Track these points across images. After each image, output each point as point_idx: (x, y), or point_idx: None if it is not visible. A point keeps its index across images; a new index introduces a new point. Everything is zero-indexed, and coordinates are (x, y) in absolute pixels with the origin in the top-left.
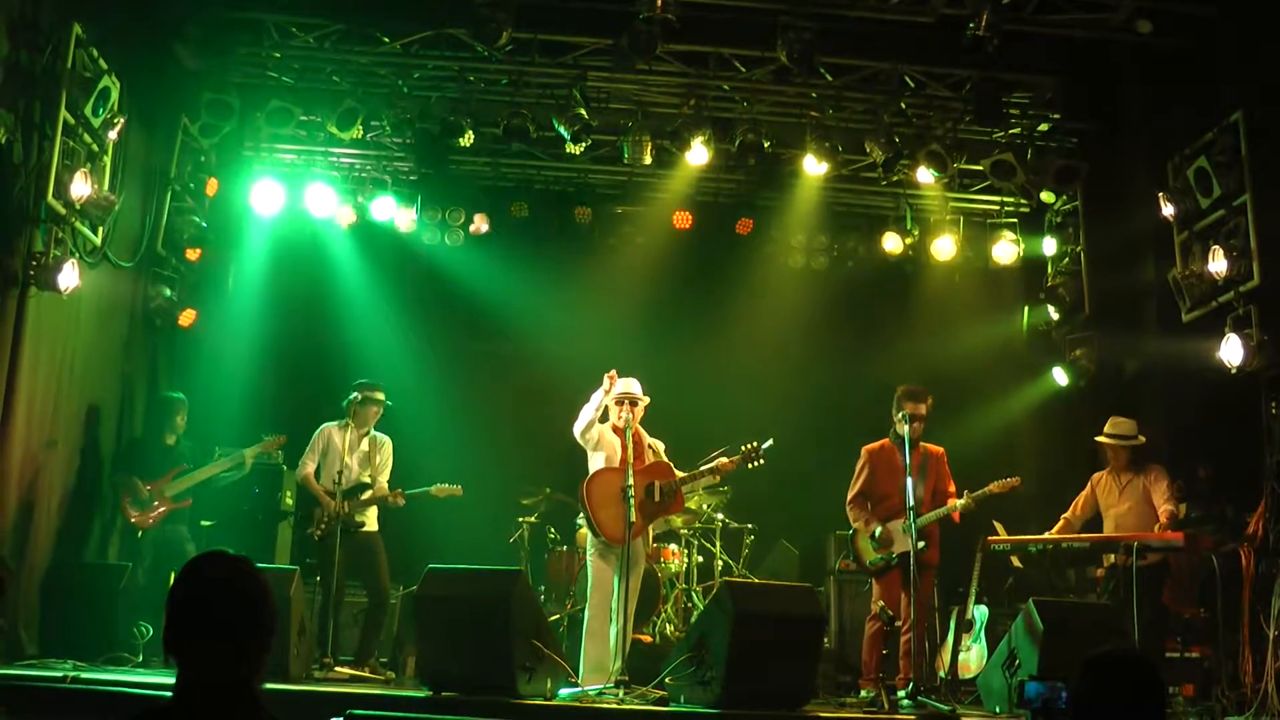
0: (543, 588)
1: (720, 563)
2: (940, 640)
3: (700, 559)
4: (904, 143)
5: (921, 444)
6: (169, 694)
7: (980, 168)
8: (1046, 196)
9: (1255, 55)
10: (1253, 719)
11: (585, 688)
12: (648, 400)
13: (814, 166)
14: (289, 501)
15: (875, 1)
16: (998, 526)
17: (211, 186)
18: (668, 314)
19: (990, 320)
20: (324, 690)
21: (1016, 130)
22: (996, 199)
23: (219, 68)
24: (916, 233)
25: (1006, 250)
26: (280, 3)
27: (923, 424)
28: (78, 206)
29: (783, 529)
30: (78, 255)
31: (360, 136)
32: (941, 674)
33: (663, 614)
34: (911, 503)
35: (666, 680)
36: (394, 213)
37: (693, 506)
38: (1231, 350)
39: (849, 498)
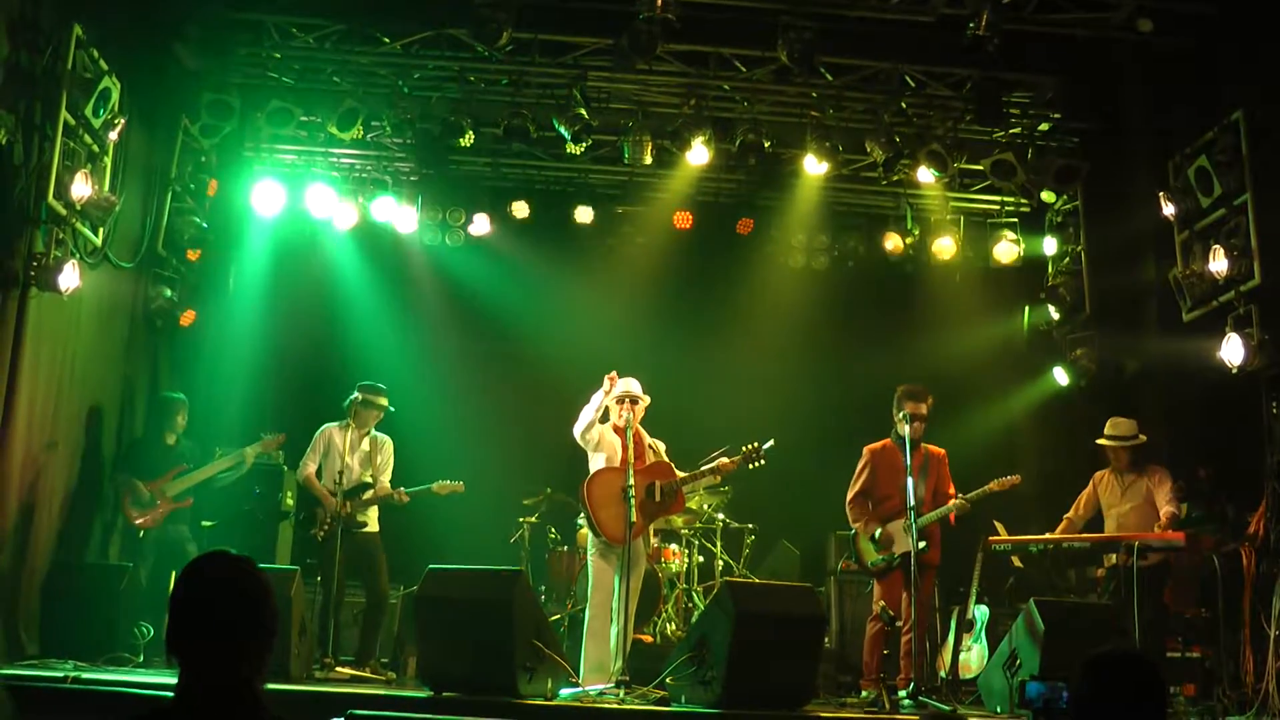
0: (543, 588)
1: (721, 563)
2: (941, 640)
3: (701, 559)
4: (904, 142)
5: (923, 445)
6: (170, 694)
7: (981, 167)
8: (1047, 196)
9: (1256, 54)
10: (1254, 719)
11: (586, 688)
12: (648, 400)
13: (814, 166)
14: (290, 502)
15: (876, 1)
16: (998, 527)
17: (212, 187)
18: (668, 314)
19: (991, 320)
20: (325, 690)
21: (1017, 130)
22: (997, 199)
23: (219, 68)
24: (917, 232)
25: (1007, 250)
26: (281, 3)
27: (923, 424)
28: (78, 207)
29: (783, 529)
30: (78, 256)
31: (360, 137)
32: (942, 674)
33: (663, 614)
34: (912, 503)
35: (667, 680)
36: (394, 213)
37: (693, 506)
38: (1232, 350)
39: (849, 497)
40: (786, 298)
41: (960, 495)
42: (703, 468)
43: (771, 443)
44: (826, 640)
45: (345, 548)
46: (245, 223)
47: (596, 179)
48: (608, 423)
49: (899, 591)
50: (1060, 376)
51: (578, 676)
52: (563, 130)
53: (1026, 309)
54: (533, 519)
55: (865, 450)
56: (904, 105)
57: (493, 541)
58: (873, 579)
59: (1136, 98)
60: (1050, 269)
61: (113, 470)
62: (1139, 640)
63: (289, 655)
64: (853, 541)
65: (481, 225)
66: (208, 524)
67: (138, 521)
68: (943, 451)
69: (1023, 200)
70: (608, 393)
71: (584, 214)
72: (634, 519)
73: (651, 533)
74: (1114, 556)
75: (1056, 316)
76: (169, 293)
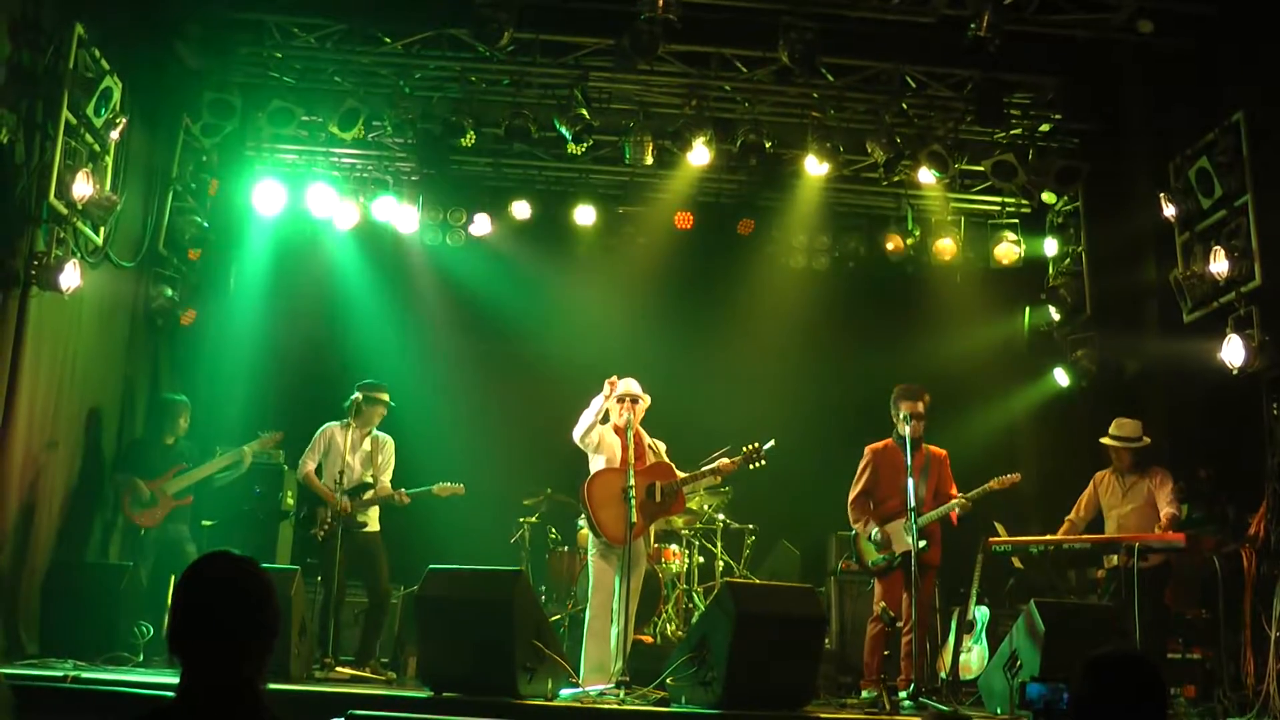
0: (544, 588)
1: (721, 563)
2: (941, 641)
3: (701, 559)
4: (905, 143)
5: (925, 446)
6: (171, 694)
7: (981, 168)
8: (1048, 197)
9: (1256, 55)
10: None
11: (586, 688)
12: (649, 400)
13: (815, 167)
14: (290, 501)
15: (877, 2)
16: (999, 528)
17: (213, 186)
18: (669, 314)
19: (991, 321)
20: (325, 690)
21: (1018, 130)
22: (998, 199)
23: (221, 68)
24: (918, 233)
25: (1008, 251)
26: (282, 3)
27: (922, 422)
28: (79, 206)
29: (784, 529)
30: (79, 255)
31: (362, 137)
32: (943, 675)
33: (664, 614)
34: (913, 503)
35: (667, 681)
36: (395, 213)
37: (694, 507)
38: (1233, 351)
39: (851, 497)
40: (787, 298)
41: (961, 495)
42: (703, 468)
43: (772, 443)
44: (827, 641)
45: (346, 547)
46: (246, 222)
47: (597, 179)
48: (608, 424)
49: (899, 592)
50: (1061, 377)
51: (578, 677)
52: (564, 130)
53: (1027, 310)
54: (533, 519)
55: (867, 450)
56: (905, 106)
57: (493, 542)
58: (873, 579)
59: (1137, 98)
60: (1051, 270)
61: (113, 470)
62: (1139, 641)
63: (289, 655)
64: (854, 541)
65: (482, 225)
66: (208, 523)
67: (138, 521)
68: (944, 453)
69: (1023, 201)
70: (608, 397)
71: (585, 214)
72: (634, 519)
73: (652, 533)
74: (1114, 557)
75: (1057, 317)
76: (170, 292)
